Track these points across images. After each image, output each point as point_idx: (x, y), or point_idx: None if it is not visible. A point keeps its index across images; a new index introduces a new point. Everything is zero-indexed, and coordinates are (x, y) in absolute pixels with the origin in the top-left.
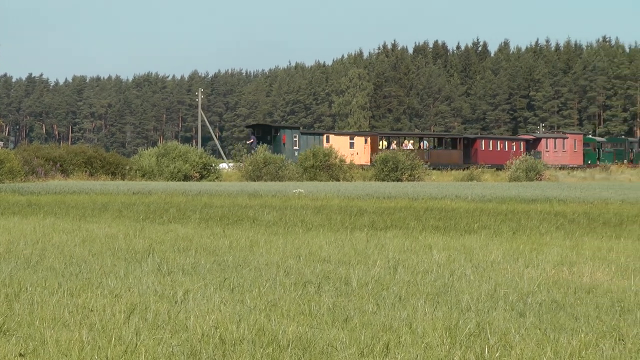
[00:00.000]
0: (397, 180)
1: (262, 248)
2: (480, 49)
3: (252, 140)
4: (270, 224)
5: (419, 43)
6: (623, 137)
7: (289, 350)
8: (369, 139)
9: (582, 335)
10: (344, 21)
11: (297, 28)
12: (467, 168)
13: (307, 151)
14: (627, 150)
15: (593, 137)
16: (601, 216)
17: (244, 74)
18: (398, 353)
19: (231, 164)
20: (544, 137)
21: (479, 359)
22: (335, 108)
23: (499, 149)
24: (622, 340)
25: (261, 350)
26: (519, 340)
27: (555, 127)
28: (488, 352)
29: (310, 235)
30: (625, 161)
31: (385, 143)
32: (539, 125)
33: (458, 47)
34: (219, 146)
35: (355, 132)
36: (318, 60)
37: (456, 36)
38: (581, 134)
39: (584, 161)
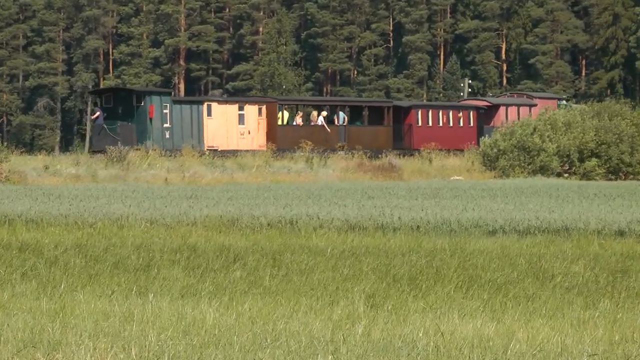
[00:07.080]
0: None
1: None
2: None
3: (97, 114)
4: None
5: None
6: None
7: None
8: (263, 108)
9: None
10: None
11: None
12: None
13: None
14: None
15: None
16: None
17: None
18: None
19: None
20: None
21: None
22: None
23: (440, 123)
24: None
25: None
26: None
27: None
28: None
29: None
30: None
31: (286, 114)
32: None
33: None
34: None
35: (246, 98)
36: None
37: None
38: None
39: None
